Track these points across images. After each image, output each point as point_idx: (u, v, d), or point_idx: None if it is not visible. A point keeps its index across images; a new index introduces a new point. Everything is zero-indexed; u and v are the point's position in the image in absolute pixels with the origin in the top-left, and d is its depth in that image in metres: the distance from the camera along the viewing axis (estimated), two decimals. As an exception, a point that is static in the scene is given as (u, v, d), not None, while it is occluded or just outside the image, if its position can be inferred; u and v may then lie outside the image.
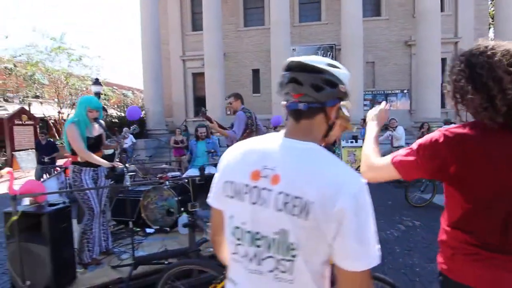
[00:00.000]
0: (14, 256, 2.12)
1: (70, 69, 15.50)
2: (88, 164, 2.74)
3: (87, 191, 2.70)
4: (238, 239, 0.79)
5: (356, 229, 0.66)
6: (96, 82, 10.36)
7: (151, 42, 12.34)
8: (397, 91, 14.46)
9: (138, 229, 3.74)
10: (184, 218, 3.59)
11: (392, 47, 14.23)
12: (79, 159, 2.73)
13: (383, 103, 1.32)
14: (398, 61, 14.30)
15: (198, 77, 15.47)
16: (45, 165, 7.06)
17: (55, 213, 2.22)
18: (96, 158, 2.68)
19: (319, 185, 0.68)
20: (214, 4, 12.13)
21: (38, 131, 13.99)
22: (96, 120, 2.74)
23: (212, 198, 0.91)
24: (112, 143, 3.24)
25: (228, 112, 3.59)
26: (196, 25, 15.30)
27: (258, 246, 0.75)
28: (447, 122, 7.63)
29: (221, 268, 1.90)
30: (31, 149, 12.51)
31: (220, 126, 3.74)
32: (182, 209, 3.74)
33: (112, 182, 3.00)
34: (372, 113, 1.30)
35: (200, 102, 15.58)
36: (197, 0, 15.17)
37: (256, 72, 14.97)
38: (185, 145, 9.25)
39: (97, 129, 2.87)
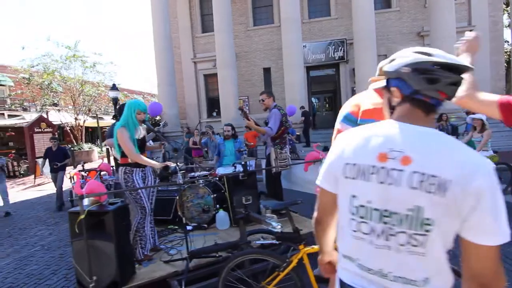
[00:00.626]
0: (81, 253, 2.21)
1: (84, 76, 15.82)
2: (137, 165, 2.85)
3: (139, 191, 2.80)
4: (362, 217, 0.84)
5: (492, 206, 0.70)
6: (113, 87, 10.57)
7: (164, 47, 12.50)
8: (410, 83, 14.24)
9: (176, 227, 3.84)
10: (222, 214, 3.67)
11: (405, 38, 14.03)
12: (129, 161, 2.84)
13: (471, 32, 1.23)
14: (410, 52, 14.08)
15: (210, 78, 15.61)
16: (56, 172, 6.69)
17: (118, 211, 2.31)
18: (146, 160, 2.79)
19: (455, 164, 0.72)
20: (224, 5, 12.21)
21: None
22: (144, 122, 2.84)
23: (323, 181, 0.96)
24: (155, 145, 3.35)
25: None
26: (206, 27, 15.43)
27: (386, 223, 0.80)
28: (470, 112, 7.51)
29: (284, 256, 1.95)
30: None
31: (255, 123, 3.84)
32: (218, 205, 3.83)
33: (159, 180, 3.10)
34: (460, 45, 1.24)
35: (212, 103, 15.73)
36: (205, 3, 15.34)
37: (267, 71, 15.02)
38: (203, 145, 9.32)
39: (141, 132, 2.96)
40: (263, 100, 3.84)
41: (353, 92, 14.49)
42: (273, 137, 3.67)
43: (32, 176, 11.77)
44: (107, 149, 13.72)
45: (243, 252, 2.01)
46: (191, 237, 3.45)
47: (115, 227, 2.25)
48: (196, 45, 15.62)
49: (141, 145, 2.92)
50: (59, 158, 6.73)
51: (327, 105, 16.51)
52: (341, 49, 14.14)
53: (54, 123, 14.83)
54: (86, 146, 16.16)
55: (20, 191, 9.45)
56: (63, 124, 15.98)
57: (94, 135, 22.05)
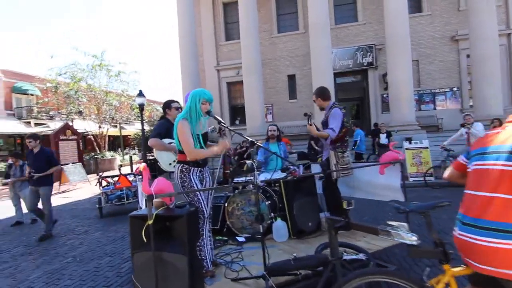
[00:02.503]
0: (145, 268, 1.76)
1: (109, 84, 15.98)
2: (195, 163, 2.43)
3: (198, 193, 2.36)
4: None
5: None
6: (140, 94, 10.45)
7: (189, 55, 12.45)
8: (445, 90, 13.52)
9: (225, 238, 3.34)
10: (280, 224, 3.16)
11: (437, 43, 13.41)
12: (188, 158, 2.41)
13: None
14: (444, 57, 13.42)
15: (233, 86, 15.41)
16: (35, 186, 4.78)
17: (191, 215, 1.86)
18: (208, 151, 2.38)
19: None
20: (250, 11, 12.06)
21: (81, 145, 14.45)
22: (209, 113, 2.42)
23: None
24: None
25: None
26: (229, 35, 15.37)
27: None
28: None
29: (418, 281, 1.41)
30: (75, 162, 12.82)
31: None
32: (272, 214, 3.32)
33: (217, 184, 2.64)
34: None
35: (235, 111, 15.46)
36: (229, 11, 15.33)
37: (291, 78, 14.65)
38: (232, 153, 8.96)
39: (203, 126, 2.54)
40: (314, 101, 3.43)
41: (383, 99, 13.87)
42: (333, 140, 3.17)
43: (57, 183, 11.69)
44: (130, 157, 13.59)
45: (362, 272, 1.48)
46: (242, 250, 2.98)
47: (188, 235, 1.79)
48: (219, 53, 15.53)
49: (204, 141, 2.48)
50: (40, 165, 4.72)
51: (354, 113, 15.86)
52: (369, 55, 13.62)
53: (79, 131, 14.92)
54: (108, 154, 16.13)
55: (45, 198, 9.26)
56: (87, 132, 16.08)
57: (115, 143, 22.20)
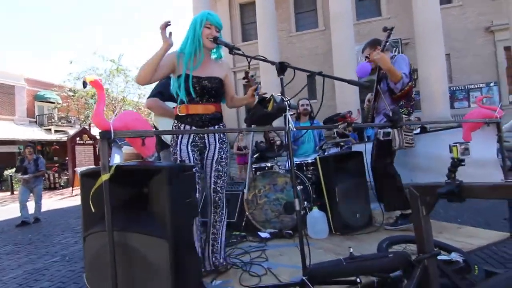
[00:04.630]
0: (99, 261, 1.09)
1: (126, 89, 15.93)
2: (191, 120, 1.73)
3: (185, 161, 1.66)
4: None
5: None
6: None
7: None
8: (481, 85, 12.33)
9: (243, 233, 2.61)
10: (316, 215, 2.40)
11: (470, 35, 12.35)
12: (177, 111, 1.75)
13: None
14: (479, 51, 12.30)
15: (248, 87, 14.88)
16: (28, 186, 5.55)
17: (176, 172, 1.15)
18: (151, 58, 1.57)
19: None
20: (268, 12, 11.68)
21: (97, 150, 14.30)
22: (215, 40, 1.72)
23: None
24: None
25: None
26: (246, 36, 15.00)
27: None
28: None
29: None
30: (91, 167, 12.59)
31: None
32: (306, 202, 2.57)
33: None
34: None
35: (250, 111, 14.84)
36: (246, 12, 15.01)
37: (311, 77, 13.93)
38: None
39: (213, 69, 1.83)
40: (368, 58, 2.62)
41: (411, 97, 12.84)
42: (396, 96, 2.38)
43: (71, 188, 11.43)
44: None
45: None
46: (267, 249, 2.24)
47: (172, 206, 1.08)
48: (236, 56, 15.14)
49: (206, 89, 1.77)
50: (31, 171, 5.57)
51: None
52: (395, 50, 12.70)
53: (97, 136, 14.82)
54: (124, 160, 15.92)
55: (56, 201, 8.94)
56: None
57: (132, 151, 22.11)
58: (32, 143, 6.54)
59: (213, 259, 1.78)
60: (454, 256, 1.50)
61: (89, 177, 1.23)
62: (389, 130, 1.98)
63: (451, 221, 2.84)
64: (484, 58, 12.32)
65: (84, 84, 1.17)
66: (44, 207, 6.01)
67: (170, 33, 1.55)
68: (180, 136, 1.74)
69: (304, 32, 14.14)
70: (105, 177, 1.06)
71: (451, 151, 1.14)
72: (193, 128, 1.75)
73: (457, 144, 1.14)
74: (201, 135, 1.84)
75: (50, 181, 13.58)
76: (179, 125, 1.75)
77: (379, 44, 2.64)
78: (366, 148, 2.62)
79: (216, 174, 1.82)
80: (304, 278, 1.28)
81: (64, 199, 9.36)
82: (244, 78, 2.01)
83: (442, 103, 9.99)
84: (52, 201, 8.71)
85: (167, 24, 1.52)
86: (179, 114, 1.74)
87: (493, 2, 12.12)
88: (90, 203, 1.15)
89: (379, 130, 2.10)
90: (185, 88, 1.68)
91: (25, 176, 5.47)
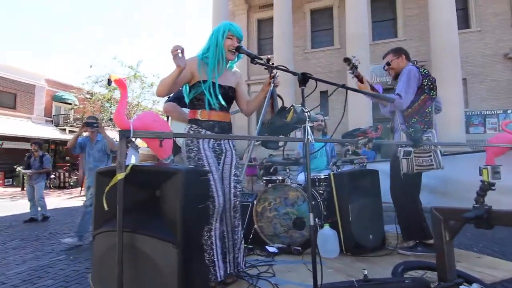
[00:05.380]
0: (107, 261, 1.06)
1: (141, 96, 16.28)
2: (210, 125, 1.75)
3: (206, 168, 1.64)
4: None
5: None
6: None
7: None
8: (498, 111, 12.08)
9: (250, 246, 2.55)
10: (328, 233, 2.33)
11: (488, 61, 12.23)
12: (198, 116, 1.75)
13: None
14: (496, 77, 12.14)
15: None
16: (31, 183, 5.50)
17: (193, 176, 1.14)
18: (172, 74, 1.55)
19: None
20: (285, 29, 11.96)
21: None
22: (238, 49, 1.75)
23: None
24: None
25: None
26: (262, 50, 15.26)
27: None
28: None
29: None
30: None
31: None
32: (317, 219, 2.50)
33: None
34: None
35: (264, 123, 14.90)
36: (264, 27, 15.33)
37: (324, 94, 13.97)
38: (258, 163, 8.25)
39: (230, 78, 1.88)
40: (388, 64, 2.58)
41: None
42: (407, 112, 2.33)
43: (80, 188, 11.56)
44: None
45: None
46: (274, 264, 2.17)
47: (184, 211, 1.06)
48: (250, 68, 15.38)
49: (226, 98, 1.81)
50: (35, 167, 5.55)
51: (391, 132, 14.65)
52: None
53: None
54: (133, 164, 16.09)
55: (64, 200, 9.03)
56: (117, 141, 16.26)
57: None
58: (41, 141, 6.61)
59: (236, 262, 1.75)
60: (474, 287, 1.42)
61: (105, 175, 1.23)
62: (410, 149, 1.93)
63: (468, 249, 2.72)
64: (501, 84, 12.13)
65: (109, 81, 1.19)
66: (52, 205, 6.07)
67: (183, 55, 1.53)
68: (201, 141, 1.74)
69: (319, 49, 14.31)
70: (120, 176, 1.05)
71: (481, 173, 1.10)
72: (211, 133, 1.77)
73: (488, 167, 1.08)
74: (218, 141, 1.85)
75: (60, 180, 13.81)
76: (199, 129, 1.76)
77: (403, 52, 2.61)
78: (380, 168, 2.57)
79: (235, 178, 1.84)
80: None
81: (73, 199, 9.46)
82: (264, 65, 2.01)
83: (458, 127, 9.81)
84: (60, 200, 8.81)
85: (178, 49, 1.49)
86: (200, 119, 1.75)
87: (513, 29, 12.06)
88: (104, 201, 1.14)
89: (399, 148, 2.05)
90: (214, 95, 1.69)
91: (27, 171, 5.52)
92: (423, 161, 2.20)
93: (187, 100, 1.83)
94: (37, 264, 2.78)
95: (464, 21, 12.79)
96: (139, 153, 2.56)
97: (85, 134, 4.09)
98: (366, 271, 1.39)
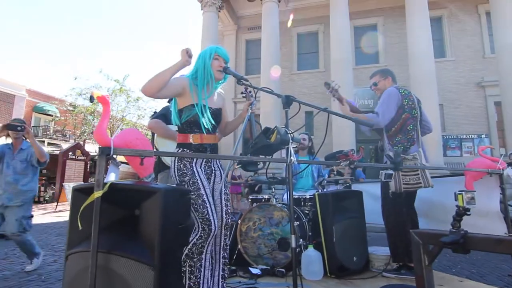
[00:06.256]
0: (79, 280, 1.01)
1: (126, 110, 16.06)
2: (204, 148, 1.76)
3: (202, 193, 1.63)
4: None
5: None
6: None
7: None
8: (473, 136, 12.72)
9: (233, 268, 2.49)
10: (312, 254, 2.31)
11: (462, 88, 13.02)
12: (191, 140, 1.75)
13: None
14: (470, 103, 12.90)
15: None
16: None
17: (172, 195, 1.12)
18: (169, 69, 1.57)
19: None
20: (273, 50, 12.39)
21: (88, 167, 14.02)
22: (225, 70, 1.79)
23: None
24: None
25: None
26: (249, 69, 15.60)
27: None
28: None
29: None
30: (81, 183, 12.24)
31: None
32: (301, 240, 2.49)
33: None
34: None
35: (247, 143, 14.95)
36: (252, 47, 15.75)
37: (309, 114, 14.29)
38: (244, 180, 8.21)
39: (216, 100, 1.92)
40: (375, 85, 2.68)
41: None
42: (390, 133, 2.42)
43: (55, 204, 11.00)
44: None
45: None
46: (257, 286, 2.12)
47: (162, 231, 1.04)
48: (238, 87, 15.61)
49: (214, 118, 1.83)
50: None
51: (373, 155, 15.03)
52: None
53: (91, 153, 14.61)
54: (114, 179, 15.57)
55: (38, 215, 8.54)
56: (97, 155, 15.78)
57: (123, 170, 21.73)
58: None
59: (224, 284, 1.69)
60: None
61: (82, 192, 1.19)
62: (391, 172, 1.99)
63: (446, 271, 2.76)
64: (475, 110, 12.86)
65: (91, 98, 1.18)
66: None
67: (191, 55, 1.60)
68: (194, 165, 1.72)
69: (305, 71, 14.78)
70: (97, 194, 1.02)
71: (456, 199, 1.14)
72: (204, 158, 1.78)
73: (463, 192, 1.13)
74: (209, 163, 1.84)
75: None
76: (191, 152, 1.75)
77: (390, 74, 2.71)
78: (364, 188, 2.62)
79: (225, 197, 1.85)
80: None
81: (47, 214, 8.97)
82: (242, 93, 2.14)
83: (436, 150, 10.20)
84: (34, 215, 8.31)
85: (188, 51, 1.58)
86: (193, 143, 1.74)
87: (484, 59, 12.96)
88: (78, 220, 1.09)
89: (381, 171, 2.11)
90: (207, 117, 1.72)
91: None
92: (410, 179, 2.26)
93: (176, 123, 1.82)
94: (6, 284, 2.58)
95: (440, 50, 13.67)
96: (120, 171, 2.50)
97: (9, 140, 3.16)
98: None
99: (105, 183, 1.06)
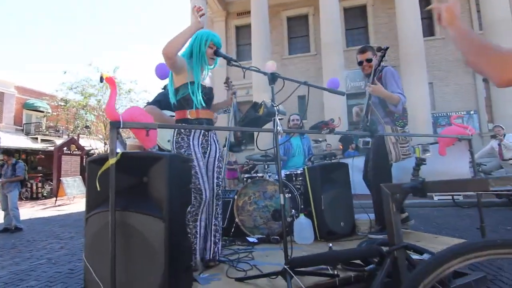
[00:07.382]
0: (100, 239, 1.18)
1: (118, 102, 15.97)
2: (200, 122, 1.94)
3: (196, 165, 1.80)
4: None
5: None
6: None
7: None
8: (462, 113, 12.99)
9: (232, 238, 2.69)
10: (303, 221, 2.52)
11: (451, 66, 13.19)
12: (188, 115, 1.90)
13: None
14: (459, 81, 13.11)
15: (242, 105, 15.19)
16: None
17: (176, 161, 1.28)
18: (183, 32, 1.77)
19: None
20: (263, 35, 12.31)
21: (84, 161, 14.08)
22: (216, 53, 1.94)
23: None
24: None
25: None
26: (241, 56, 15.50)
27: None
28: None
29: None
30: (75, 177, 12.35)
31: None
32: (294, 210, 2.69)
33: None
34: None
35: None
36: (242, 33, 15.63)
37: (302, 98, 14.41)
38: (239, 165, 8.42)
39: (207, 80, 2.08)
40: (370, 61, 2.67)
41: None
42: (390, 109, 2.53)
43: (54, 199, 11.13)
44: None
45: (462, 248, 0.85)
46: (253, 250, 2.33)
47: (169, 190, 1.21)
48: (230, 73, 15.56)
49: (207, 98, 1.99)
50: (7, 176, 5.43)
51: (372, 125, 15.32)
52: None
53: (86, 148, 14.65)
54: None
55: (38, 210, 8.68)
56: (92, 149, 15.78)
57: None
58: (11, 150, 6.36)
59: (215, 249, 1.89)
60: (425, 256, 1.64)
61: (96, 163, 1.34)
62: (368, 139, 2.15)
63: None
64: (464, 88, 13.10)
65: (101, 79, 1.32)
66: (26, 216, 5.87)
67: (202, 15, 1.78)
68: (191, 138, 1.88)
69: (296, 55, 14.77)
70: (112, 161, 1.17)
71: (414, 152, 1.31)
72: (201, 132, 1.95)
73: (419, 146, 1.30)
74: (206, 137, 2.00)
75: (33, 191, 13.19)
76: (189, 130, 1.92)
77: (379, 50, 2.72)
78: (350, 162, 2.80)
79: (218, 170, 2.03)
80: (285, 266, 1.39)
81: (47, 209, 9.11)
82: (224, 83, 2.35)
83: (426, 128, 10.46)
84: (34, 211, 8.46)
85: (199, 9, 1.76)
86: (190, 118, 1.89)
87: (472, 37, 13.11)
88: (97, 183, 1.25)
89: (359, 139, 2.27)
90: (200, 96, 1.87)
91: None
92: (406, 150, 2.40)
93: (174, 100, 1.96)
94: (17, 268, 2.75)
95: (430, 29, 13.75)
96: (127, 144, 2.67)
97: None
98: (331, 244, 1.58)
99: (117, 152, 1.21)
